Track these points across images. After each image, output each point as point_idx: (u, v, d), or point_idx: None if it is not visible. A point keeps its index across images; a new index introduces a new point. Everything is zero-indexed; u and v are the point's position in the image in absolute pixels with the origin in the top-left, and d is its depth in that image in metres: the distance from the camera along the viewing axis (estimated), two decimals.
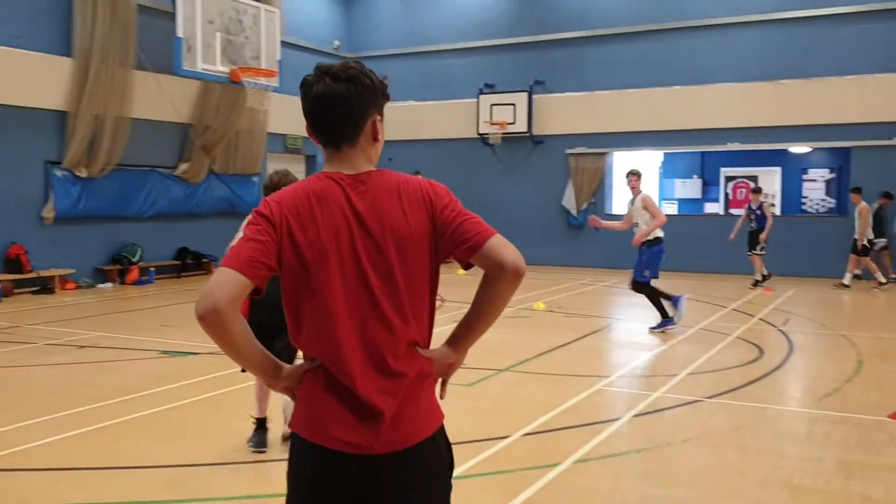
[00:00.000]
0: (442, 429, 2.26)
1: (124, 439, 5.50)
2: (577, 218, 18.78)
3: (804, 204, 20.16)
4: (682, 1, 17.66)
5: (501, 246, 2.16)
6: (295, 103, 13.41)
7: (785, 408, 6.55)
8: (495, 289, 2.21)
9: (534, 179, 19.38)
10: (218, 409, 6.29)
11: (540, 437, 5.57)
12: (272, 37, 15.62)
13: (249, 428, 5.31)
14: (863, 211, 14.51)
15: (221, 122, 16.11)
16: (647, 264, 9.79)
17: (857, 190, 14.91)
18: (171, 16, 13.80)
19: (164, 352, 8.43)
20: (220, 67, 14.37)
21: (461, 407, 6.37)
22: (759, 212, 14.60)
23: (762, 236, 14.41)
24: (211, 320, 1.99)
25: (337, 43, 20.95)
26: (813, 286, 14.84)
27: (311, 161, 20.36)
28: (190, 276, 16.13)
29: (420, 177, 2.29)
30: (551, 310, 11.76)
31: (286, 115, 18.50)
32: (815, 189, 20.26)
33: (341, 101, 2.14)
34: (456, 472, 4.69)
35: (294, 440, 2.19)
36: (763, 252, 14.57)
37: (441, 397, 2.34)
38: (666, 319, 9.73)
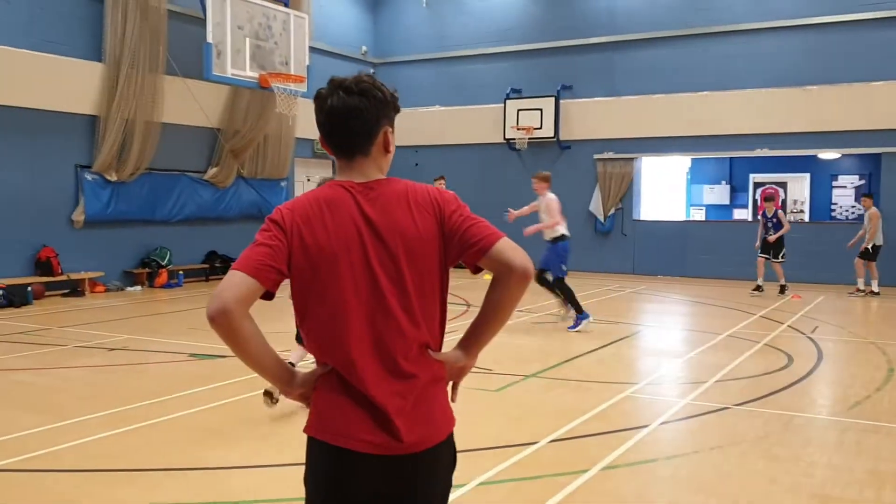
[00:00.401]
0: (452, 434, 2.30)
1: (156, 442, 5.58)
2: (604, 224, 18.71)
3: (834, 211, 19.92)
4: (710, 6, 17.55)
5: (510, 249, 2.20)
6: None
7: (815, 416, 6.48)
8: (504, 291, 2.23)
9: (561, 185, 19.16)
10: (248, 411, 6.35)
11: (567, 443, 5.56)
12: (301, 42, 15.75)
13: (279, 430, 5.36)
14: (873, 216, 14.42)
15: (250, 127, 16.26)
16: (560, 260, 10.49)
17: (869, 195, 14.87)
18: (202, 21, 13.96)
19: (193, 354, 8.53)
20: (250, 73, 14.52)
21: (488, 413, 6.38)
22: (774, 220, 14.46)
23: (771, 238, 14.28)
24: (220, 321, 2.03)
25: (364, 48, 21.08)
26: (842, 293, 14.65)
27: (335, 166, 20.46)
28: (218, 279, 16.28)
29: (436, 185, 2.34)
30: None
31: (314, 121, 18.61)
32: (844, 196, 20.01)
33: (355, 113, 2.22)
34: (483, 478, 4.76)
35: (310, 444, 2.22)
36: (784, 259, 14.42)
37: (452, 400, 2.38)
38: (581, 315, 10.18)
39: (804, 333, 10.22)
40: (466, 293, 14.20)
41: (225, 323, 2.03)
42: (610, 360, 8.67)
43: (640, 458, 5.26)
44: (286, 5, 15.64)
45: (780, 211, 14.82)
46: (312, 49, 16.82)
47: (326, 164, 20.17)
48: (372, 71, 21.45)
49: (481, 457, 5.18)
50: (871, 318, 12.23)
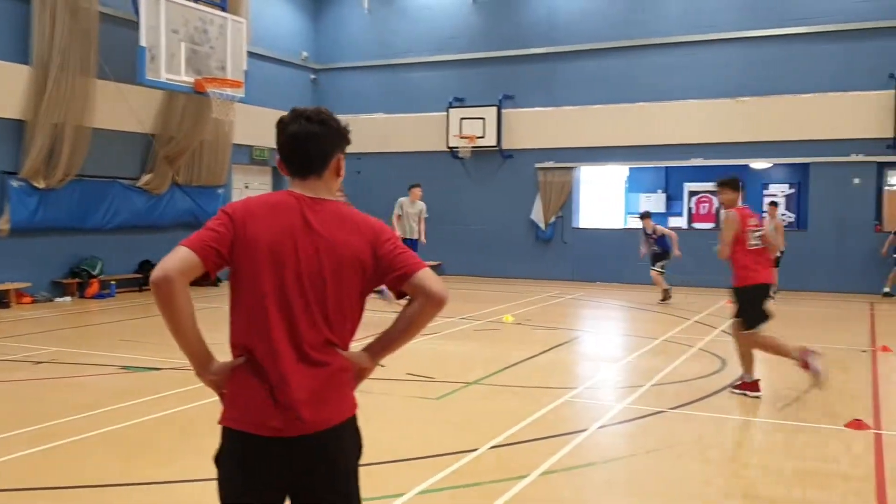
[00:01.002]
0: (354, 418, 2.57)
1: (85, 458, 5.40)
2: (545, 231, 18.93)
3: (764, 218, 20.48)
4: (647, 19, 17.94)
5: (429, 278, 2.50)
6: (261, 114, 13.55)
7: (746, 418, 6.65)
8: (420, 313, 2.52)
9: (503, 193, 19.49)
10: (182, 425, 6.20)
11: (507, 449, 5.58)
12: (238, 47, 15.53)
13: (217, 443, 5.22)
14: (778, 226, 15.02)
15: (186, 133, 15.95)
16: None
17: (775, 204, 15.43)
18: (135, 24, 13.64)
19: (125, 367, 8.30)
20: (185, 77, 14.24)
21: (429, 421, 6.37)
22: (654, 236, 14.72)
23: (676, 252, 14.45)
24: (162, 286, 2.29)
25: (305, 54, 20.91)
26: (776, 298, 15.06)
27: (277, 173, 20.24)
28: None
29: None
30: (520, 322, 11.80)
31: (252, 127, 18.37)
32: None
33: (314, 139, 2.54)
34: (422, 487, 4.75)
35: (223, 433, 2.47)
36: (663, 270, 14.69)
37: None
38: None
39: None
40: None
41: (164, 288, 2.29)
42: (549, 366, 8.75)
43: (579, 463, 5.31)
44: (223, 9, 15.41)
45: (658, 227, 15.05)
46: (251, 54, 16.60)
47: (265, 171, 19.93)
48: (313, 77, 21.32)
49: (421, 465, 5.16)
50: (803, 322, 12.59)
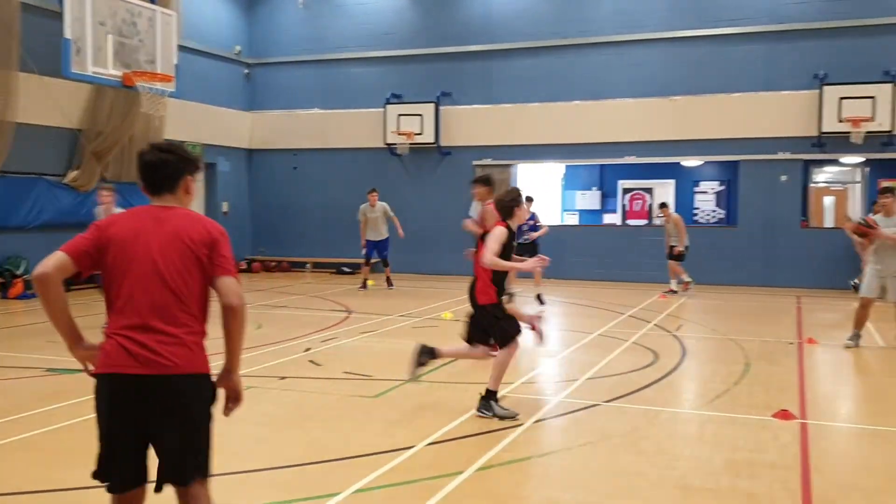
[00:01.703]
0: (207, 376, 3.20)
1: (8, 462, 5.19)
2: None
3: (696, 215, 21.01)
4: (581, 18, 18.16)
5: (229, 284, 3.15)
6: (194, 109, 13.30)
7: (678, 410, 6.78)
8: (223, 319, 3.17)
9: (442, 190, 19.49)
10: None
11: (444, 445, 5.58)
12: (168, 40, 15.15)
13: None
14: (678, 221, 15.39)
15: (114, 128, 15.50)
16: None
17: (665, 205, 15.80)
18: (59, 16, 13.18)
19: (51, 369, 8.01)
20: (113, 71, 13.82)
21: (366, 419, 6.32)
22: (531, 222, 14.38)
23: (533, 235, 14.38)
24: (39, 281, 3.09)
25: (238, 48, 20.54)
26: (705, 293, 15.46)
27: (210, 169, 19.86)
28: (80, 289, 15.37)
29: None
30: (458, 319, 11.78)
31: (184, 122, 18.01)
32: (706, 200, 21.15)
33: (164, 165, 3.25)
34: (358, 486, 4.71)
35: (95, 383, 3.18)
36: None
37: (225, 414, 3.32)
38: None
39: (669, 331, 10.71)
40: (348, 300, 14.08)
41: (42, 283, 3.08)
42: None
43: (515, 457, 5.34)
44: (153, 1, 15.01)
45: (536, 213, 14.85)
46: (182, 48, 16.24)
47: None
48: (246, 71, 20.97)
49: (357, 464, 5.12)
50: (732, 315, 12.94)
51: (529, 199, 13.96)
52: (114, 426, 3.14)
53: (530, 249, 13.50)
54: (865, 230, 9.59)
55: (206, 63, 19.28)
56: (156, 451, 3.17)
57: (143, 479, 3.24)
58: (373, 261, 16.59)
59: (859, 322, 9.62)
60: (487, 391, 6.30)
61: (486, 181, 8.90)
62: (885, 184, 17.68)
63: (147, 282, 3.07)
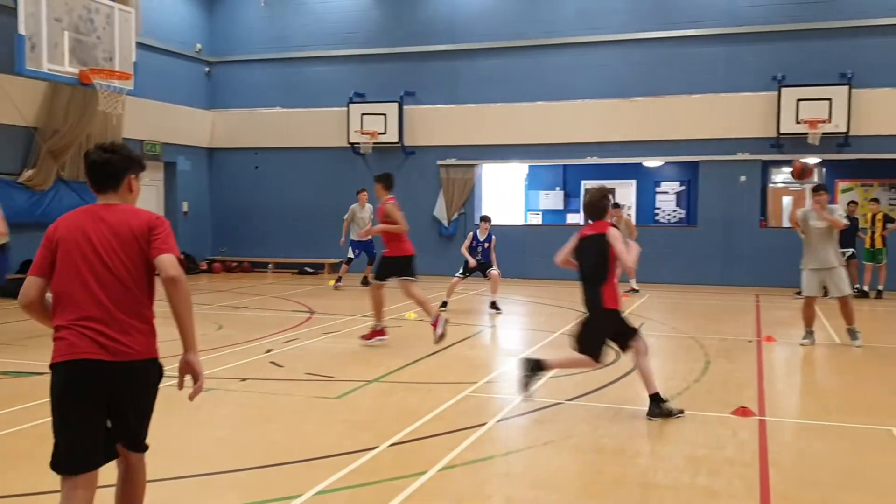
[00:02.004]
0: (157, 359, 3.53)
1: None
2: (448, 228, 19.01)
3: (657, 215, 21.25)
4: (543, 19, 18.26)
5: (166, 259, 3.39)
6: (154, 107, 13.17)
7: (640, 408, 6.82)
8: (167, 292, 3.40)
9: (406, 190, 19.36)
10: None
11: (406, 446, 5.56)
12: (127, 37, 14.89)
13: None
14: (628, 222, 15.63)
15: (71, 127, 15.21)
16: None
17: (617, 206, 15.65)
18: (13, 11, 12.89)
19: (4, 373, 7.83)
20: (69, 68, 13.55)
21: (327, 420, 6.28)
22: (486, 244, 13.42)
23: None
24: (27, 309, 3.52)
25: (199, 46, 20.30)
26: (666, 291, 15.64)
27: (170, 168, 19.60)
28: None
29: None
30: (422, 319, 11.77)
31: (144, 120, 17.75)
32: (667, 201, 21.40)
33: (106, 164, 3.53)
34: (319, 487, 4.68)
35: (51, 373, 3.42)
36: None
37: (190, 398, 3.57)
38: None
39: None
40: (311, 300, 13.98)
41: (30, 310, 3.51)
42: (451, 362, 8.78)
43: (478, 457, 5.33)
44: None
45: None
46: (141, 45, 15.98)
47: (157, 167, 19.28)
48: (207, 70, 20.71)
49: (319, 466, 5.08)
50: (692, 314, 13.11)
51: (486, 220, 13.90)
52: (78, 410, 3.35)
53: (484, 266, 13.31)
54: (800, 172, 9.96)
55: (166, 61, 19.01)
56: (114, 425, 3.47)
57: (105, 460, 3.47)
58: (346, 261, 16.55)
59: (808, 320, 9.79)
60: (652, 396, 6.33)
61: (384, 179, 9.82)
62: (842, 184, 18.04)
63: (96, 276, 3.35)
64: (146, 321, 3.45)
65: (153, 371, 3.52)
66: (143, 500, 3.71)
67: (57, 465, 3.41)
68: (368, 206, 15.95)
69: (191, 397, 3.53)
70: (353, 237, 15.85)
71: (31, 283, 3.44)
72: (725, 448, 5.56)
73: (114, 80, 14.20)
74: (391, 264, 9.69)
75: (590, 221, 6.62)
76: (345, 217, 16.29)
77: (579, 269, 6.57)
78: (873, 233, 15.26)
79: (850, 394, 7.57)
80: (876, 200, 15.98)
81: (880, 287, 15.29)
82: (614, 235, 6.33)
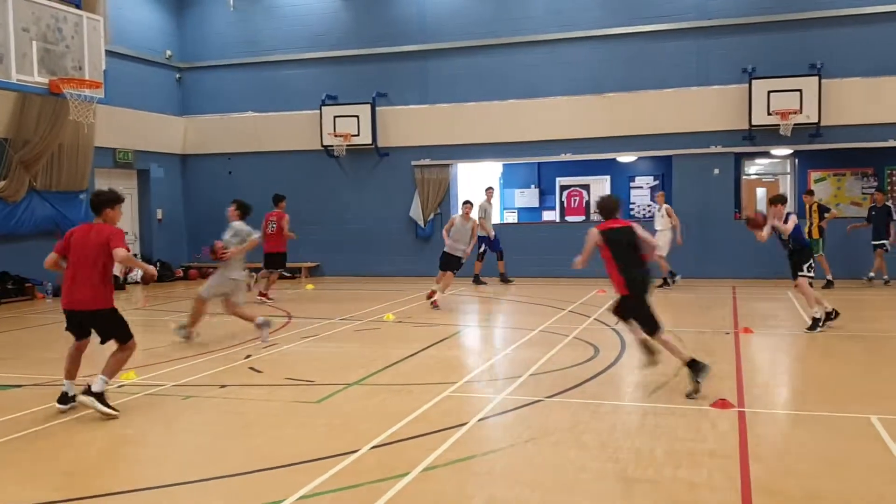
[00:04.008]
0: (112, 308, 6.77)
1: None
2: (424, 229, 19.00)
3: (632, 210, 21.37)
4: (513, 16, 18.31)
5: (117, 251, 6.52)
6: (125, 115, 13.19)
7: (619, 403, 6.88)
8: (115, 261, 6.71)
9: (381, 191, 19.43)
10: (36, 445, 5.82)
11: (388, 448, 5.55)
12: (96, 46, 14.69)
13: (72, 463, 4.92)
14: (666, 210, 15.82)
15: (42, 136, 15.03)
16: None
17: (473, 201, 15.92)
18: None
19: None
20: (38, 78, 13.33)
21: (309, 425, 6.26)
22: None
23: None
24: (48, 265, 6.86)
25: (169, 53, 20.14)
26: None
27: (143, 175, 19.44)
28: (11, 302, 14.89)
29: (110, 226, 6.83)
30: (400, 320, 11.79)
31: (115, 128, 17.59)
32: (641, 195, 21.53)
33: (92, 204, 6.88)
34: (303, 492, 4.67)
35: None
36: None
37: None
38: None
39: (609, 325, 10.85)
40: (289, 305, 13.91)
41: (49, 265, 6.84)
42: (431, 362, 8.77)
43: (459, 456, 5.33)
44: (78, 6, 14.56)
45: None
46: (110, 53, 15.80)
47: (130, 175, 19.14)
48: (178, 76, 20.56)
49: (301, 470, 5.06)
50: (669, 308, 13.19)
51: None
52: (71, 325, 6.77)
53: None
54: (754, 222, 10.50)
55: (136, 68, 18.85)
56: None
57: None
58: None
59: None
60: (689, 362, 6.89)
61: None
62: (814, 174, 18.21)
63: (83, 263, 6.57)
64: (106, 285, 6.68)
65: (109, 312, 6.76)
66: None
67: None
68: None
69: (144, 304, 5.64)
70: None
71: (50, 256, 6.80)
72: (706, 441, 5.60)
73: (84, 89, 14.02)
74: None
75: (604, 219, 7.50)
76: (478, 216, 16.48)
77: (614, 255, 7.22)
78: (811, 224, 15.32)
79: (829, 383, 7.65)
80: (811, 192, 16.06)
81: (829, 277, 15.37)
82: (639, 231, 7.39)
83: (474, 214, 14.20)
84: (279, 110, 19.85)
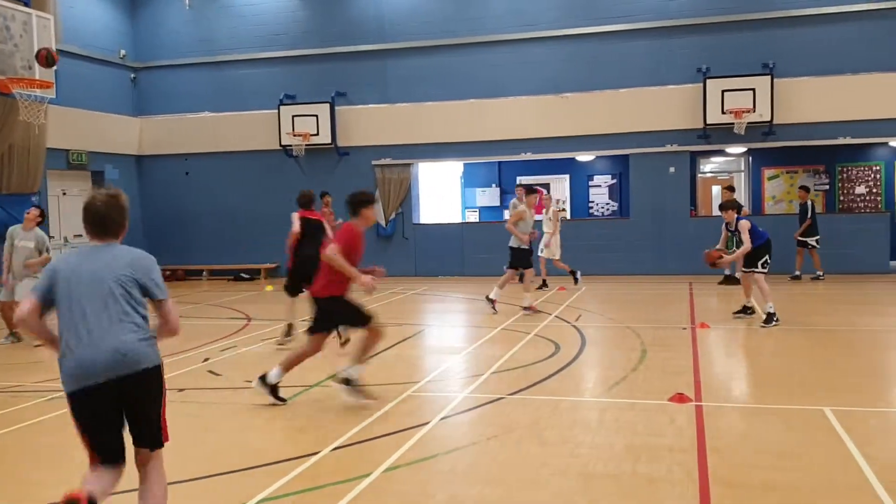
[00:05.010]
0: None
1: None
2: (386, 228, 18.94)
3: (591, 208, 21.56)
4: (472, 16, 18.35)
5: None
6: (79, 116, 12.93)
7: (580, 399, 6.93)
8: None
9: (341, 191, 19.08)
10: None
11: (350, 449, 5.52)
12: (46, 45, 14.38)
13: (29, 471, 4.80)
14: (556, 213, 15.84)
15: None
16: None
17: (532, 190, 15.89)
18: None
19: None
20: None
21: (270, 427, 6.20)
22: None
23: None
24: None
25: (123, 52, 19.79)
26: (602, 283, 15.89)
27: (97, 177, 19.06)
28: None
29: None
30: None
31: (68, 129, 17.24)
32: (600, 194, 21.73)
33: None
34: (263, 495, 4.63)
35: None
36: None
37: None
38: None
39: (569, 322, 10.95)
40: (248, 307, 13.76)
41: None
42: (393, 362, 8.75)
43: (421, 456, 5.33)
44: (27, 4, 14.24)
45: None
46: (63, 52, 15.45)
47: (84, 176, 18.75)
48: (132, 76, 20.22)
49: (261, 473, 5.01)
50: (628, 304, 13.35)
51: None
52: None
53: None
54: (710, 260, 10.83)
55: (89, 68, 18.49)
56: None
57: None
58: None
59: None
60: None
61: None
62: (768, 172, 18.55)
63: None
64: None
65: None
66: None
67: None
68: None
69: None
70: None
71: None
72: (664, 435, 5.67)
73: (35, 89, 13.71)
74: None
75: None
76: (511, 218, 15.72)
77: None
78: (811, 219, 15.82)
79: (783, 376, 7.80)
80: (806, 188, 16.50)
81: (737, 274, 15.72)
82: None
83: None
84: (236, 110, 19.64)
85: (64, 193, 17.82)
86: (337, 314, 6.80)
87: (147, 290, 3.74)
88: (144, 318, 3.73)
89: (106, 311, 3.61)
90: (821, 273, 15.82)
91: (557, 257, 15.48)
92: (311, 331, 6.88)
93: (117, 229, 3.86)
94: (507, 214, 22.33)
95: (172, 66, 20.03)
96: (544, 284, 15.42)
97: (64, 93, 14.84)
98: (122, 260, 3.76)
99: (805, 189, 16.55)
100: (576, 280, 15.33)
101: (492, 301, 12.26)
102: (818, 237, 15.89)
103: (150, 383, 3.71)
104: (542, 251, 15.39)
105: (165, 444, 3.83)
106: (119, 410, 3.67)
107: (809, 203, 16.10)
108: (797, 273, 16.03)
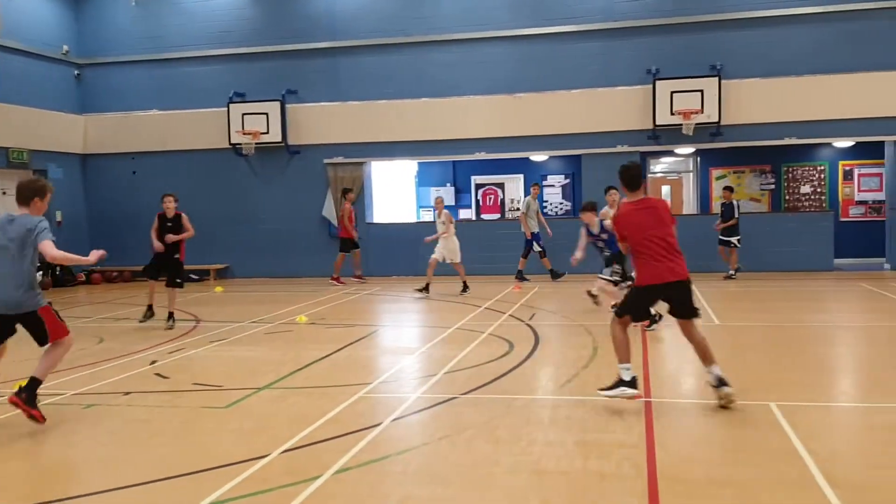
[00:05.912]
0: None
1: None
2: (338, 228, 18.78)
3: (545, 208, 21.70)
4: (425, 15, 18.31)
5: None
6: (19, 113, 12.68)
7: (532, 397, 6.95)
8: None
9: (292, 190, 19.12)
10: None
11: (300, 452, 5.43)
12: None
13: (10, 468, 4.62)
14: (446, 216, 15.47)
15: None
16: None
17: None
18: None
19: None
20: None
21: (217, 430, 6.08)
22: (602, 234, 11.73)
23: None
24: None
25: (66, 48, 19.29)
26: (558, 281, 15.98)
27: (40, 175, 18.54)
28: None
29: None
30: (314, 322, 11.62)
31: (8, 127, 16.77)
32: (553, 193, 21.90)
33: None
34: (210, 499, 4.50)
35: None
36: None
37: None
38: None
39: (523, 321, 10.98)
40: (196, 308, 13.52)
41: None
42: (345, 364, 8.67)
43: (373, 457, 5.27)
44: None
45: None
46: (1, 47, 15.04)
47: (25, 175, 18.17)
48: (76, 72, 19.73)
49: (208, 477, 4.90)
50: (580, 302, 13.43)
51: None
52: None
53: None
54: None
55: (30, 64, 17.98)
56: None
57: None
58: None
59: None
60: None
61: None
62: (715, 172, 18.92)
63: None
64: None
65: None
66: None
67: None
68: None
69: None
70: (537, 228, 16.94)
71: None
72: (613, 431, 5.71)
73: None
74: None
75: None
76: (521, 210, 17.18)
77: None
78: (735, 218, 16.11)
79: (731, 372, 7.86)
80: (730, 188, 16.85)
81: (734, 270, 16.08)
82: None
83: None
84: (185, 108, 19.30)
85: (4, 193, 17.29)
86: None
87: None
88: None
89: None
90: (734, 272, 16.02)
91: (458, 260, 15.14)
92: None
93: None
94: (464, 213, 22.43)
95: (119, 62, 19.60)
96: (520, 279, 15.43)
97: (3, 89, 14.44)
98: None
99: (729, 189, 16.84)
100: (466, 288, 14.80)
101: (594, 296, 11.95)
102: (739, 237, 16.21)
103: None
104: (438, 253, 15.13)
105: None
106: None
107: (735, 203, 16.41)
108: (731, 272, 16.16)
